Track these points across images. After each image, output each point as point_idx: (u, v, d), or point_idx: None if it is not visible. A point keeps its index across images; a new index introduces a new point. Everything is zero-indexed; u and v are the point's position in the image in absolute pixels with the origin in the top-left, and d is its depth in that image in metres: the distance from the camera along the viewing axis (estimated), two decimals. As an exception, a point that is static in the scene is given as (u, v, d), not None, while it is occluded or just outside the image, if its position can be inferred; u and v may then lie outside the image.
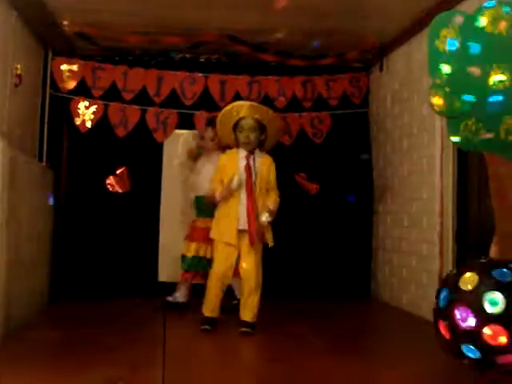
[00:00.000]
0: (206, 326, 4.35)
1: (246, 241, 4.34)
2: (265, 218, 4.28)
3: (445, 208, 4.72)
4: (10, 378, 3.13)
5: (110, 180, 5.90)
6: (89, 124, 5.82)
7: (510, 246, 3.25)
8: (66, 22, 5.15)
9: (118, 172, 5.92)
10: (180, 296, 5.21)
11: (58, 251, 5.72)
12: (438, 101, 2.98)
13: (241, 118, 4.35)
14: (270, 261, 6.20)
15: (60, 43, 5.63)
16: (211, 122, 5.06)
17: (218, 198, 4.38)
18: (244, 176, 4.34)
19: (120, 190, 5.91)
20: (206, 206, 4.88)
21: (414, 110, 5.32)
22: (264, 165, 4.40)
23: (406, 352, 3.90)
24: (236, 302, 4.81)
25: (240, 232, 4.33)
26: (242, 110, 4.36)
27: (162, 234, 6.02)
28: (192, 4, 4.75)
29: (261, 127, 4.37)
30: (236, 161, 4.38)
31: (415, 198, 5.25)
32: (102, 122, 5.85)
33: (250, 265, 4.35)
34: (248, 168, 4.34)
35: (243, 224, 4.32)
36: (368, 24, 5.18)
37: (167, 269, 5.96)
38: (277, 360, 3.68)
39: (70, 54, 5.84)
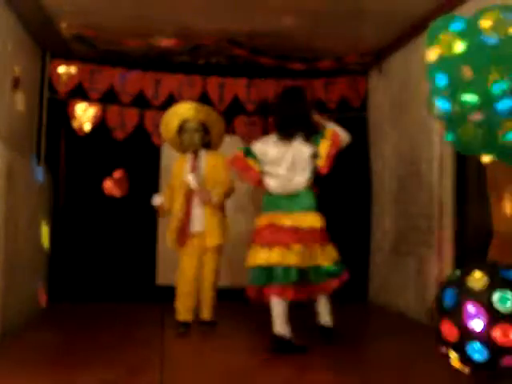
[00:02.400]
0: None
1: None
2: (190, 177, 4.34)
3: (443, 211, 4.72)
4: (7, 379, 3.13)
5: (107, 184, 5.87)
6: (87, 127, 5.82)
7: (509, 248, 3.25)
8: (64, 25, 5.14)
9: (115, 175, 5.89)
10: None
11: (56, 254, 5.71)
12: (436, 104, 2.98)
13: (185, 121, 4.44)
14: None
15: (58, 46, 5.62)
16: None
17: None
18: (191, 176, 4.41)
19: (117, 194, 5.89)
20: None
21: (412, 113, 5.32)
22: (212, 163, 4.47)
23: (403, 354, 3.90)
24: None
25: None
26: (185, 111, 4.46)
27: (159, 238, 6.01)
28: (191, 7, 4.75)
29: (204, 128, 4.47)
30: (185, 164, 4.50)
31: (414, 200, 5.25)
32: (99, 124, 5.84)
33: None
34: (193, 169, 4.44)
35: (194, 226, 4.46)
36: (366, 28, 5.18)
37: (165, 272, 5.95)
38: (274, 364, 3.67)
39: (68, 57, 5.83)
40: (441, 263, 4.70)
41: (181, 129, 4.47)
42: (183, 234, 4.44)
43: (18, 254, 4.38)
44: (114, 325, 4.73)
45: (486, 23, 2.77)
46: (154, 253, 6.01)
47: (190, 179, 4.34)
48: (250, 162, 4.14)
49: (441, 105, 2.92)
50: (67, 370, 3.35)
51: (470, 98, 2.76)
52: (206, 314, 4.51)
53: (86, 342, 4.06)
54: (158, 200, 4.57)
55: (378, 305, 5.93)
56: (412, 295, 5.22)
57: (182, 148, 4.57)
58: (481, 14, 2.83)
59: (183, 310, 4.43)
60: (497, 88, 2.67)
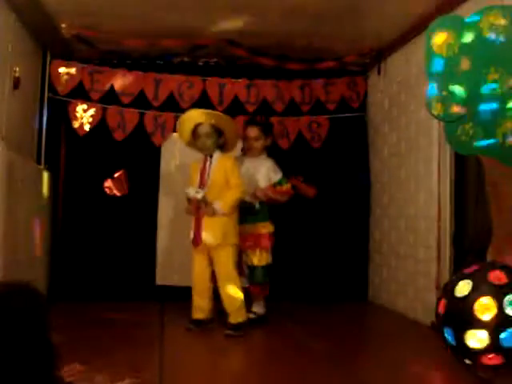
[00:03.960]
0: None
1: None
2: (194, 192, 4.42)
3: (442, 212, 4.72)
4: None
5: (108, 183, 5.90)
6: (87, 127, 5.82)
7: (507, 249, 3.26)
8: (64, 25, 5.15)
9: (115, 175, 5.92)
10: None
11: (56, 253, 5.73)
12: (435, 105, 2.99)
13: (197, 125, 4.54)
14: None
15: (58, 46, 5.63)
16: (252, 121, 5.11)
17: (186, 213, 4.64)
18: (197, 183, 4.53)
19: (118, 194, 5.91)
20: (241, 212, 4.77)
21: (411, 113, 5.33)
22: (221, 166, 4.52)
23: (402, 355, 3.90)
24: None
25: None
26: (197, 116, 4.57)
27: (159, 238, 6.02)
28: (191, 8, 4.76)
29: (218, 132, 4.55)
30: (198, 166, 4.61)
31: (412, 201, 5.26)
32: (100, 125, 5.85)
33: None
34: (203, 172, 4.54)
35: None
36: (366, 28, 5.19)
37: (165, 272, 5.95)
38: (274, 363, 3.68)
39: (69, 57, 5.84)
40: (439, 264, 4.71)
41: (195, 133, 4.58)
42: (196, 234, 4.52)
43: (18, 253, 4.38)
44: (114, 324, 4.73)
45: (488, 22, 2.78)
46: (154, 252, 6.01)
47: (190, 193, 4.46)
48: None
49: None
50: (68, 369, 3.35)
51: (458, 90, 2.77)
52: (230, 317, 4.44)
53: (86, 341, 4.05)
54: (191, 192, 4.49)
55: (378, 305, 5.93)
56: (411, 296, 5.22)
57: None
58: (483, 13, 2.85)
59: (193, 308, 4.54)
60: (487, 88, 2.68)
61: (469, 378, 2.93)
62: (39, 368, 1.44)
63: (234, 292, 4.41)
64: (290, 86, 6.13)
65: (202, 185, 4.51)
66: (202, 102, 5.94)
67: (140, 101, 5.90)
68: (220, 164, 4.54)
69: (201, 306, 4.51)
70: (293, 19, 4.95)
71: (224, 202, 4.43)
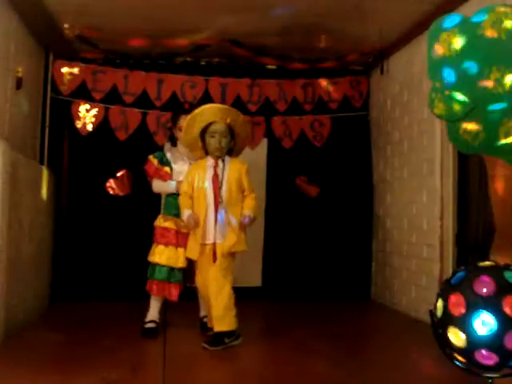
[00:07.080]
0: None
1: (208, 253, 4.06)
2: (245, 219, 4.01)
3: (445, 211, 4.72)
4: (9, 379, 3.14)
5: (111, 183, 5.91)
6: (89, 127, 5.83)
7: (510, 248, 3.26)
8: (67, 25, 5.15)
9: (118, 175, 5.93)
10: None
11: (59, 254, 5.73)
12: (438, 104, 2.99)
13: (211, 123, 4.09)
14: (271, 263, 6.23)
15: (61, 46, 5.63)
16: (186, 110, 4.54)
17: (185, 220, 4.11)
18: (210, 197, 4.04)
19: (120, 193, 5.92)
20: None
21: (414, 112, 5.33)
22: (234, 171, 4.10)
23: (405, 355, 3.91)
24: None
25: (203, 246, 4.07)
26: (212, 113, 4.11)
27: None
28: (193, 7, 4.76)
29: (231, 132, 4.13)
30: (204, 171, 4.11)
31: (415, 200, 5.26)
32: (102, 125, 5.86)
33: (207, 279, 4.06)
34: (215, 178, 4.07)
35: (209, 238, 4.03)
36: (368, 27, 5.19)
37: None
38: (277, 363, 3.68)
39: (71, 57, 5.84)
40: (442, 263, 4.71)
41: (204, 131, 4.11)
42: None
43: (22, 254, 4.39)
44: (116, 324, 4.74)
45: (487, 20, 2.77)
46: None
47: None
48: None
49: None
50: (70, 369, 3.36)
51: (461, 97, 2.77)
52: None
53: (88, 341, 4.07)
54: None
55: (381, 303, 5.93)
56: (414, 295, 5.22)
57: (202, 153, 4.20)
58: (483, 11, 2.84)
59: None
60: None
61: (469, 378, 2.92)
62: None
63: None
64: (293, 85, 6.14)
65: (215, 194, 4.04)
66: (205, 101, 5.94)
67: (142, 101, 5.91)
68: (233, 169, 4.11)
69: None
70: (295, 18, 4.94)
71: (251, 207, 4.07)
